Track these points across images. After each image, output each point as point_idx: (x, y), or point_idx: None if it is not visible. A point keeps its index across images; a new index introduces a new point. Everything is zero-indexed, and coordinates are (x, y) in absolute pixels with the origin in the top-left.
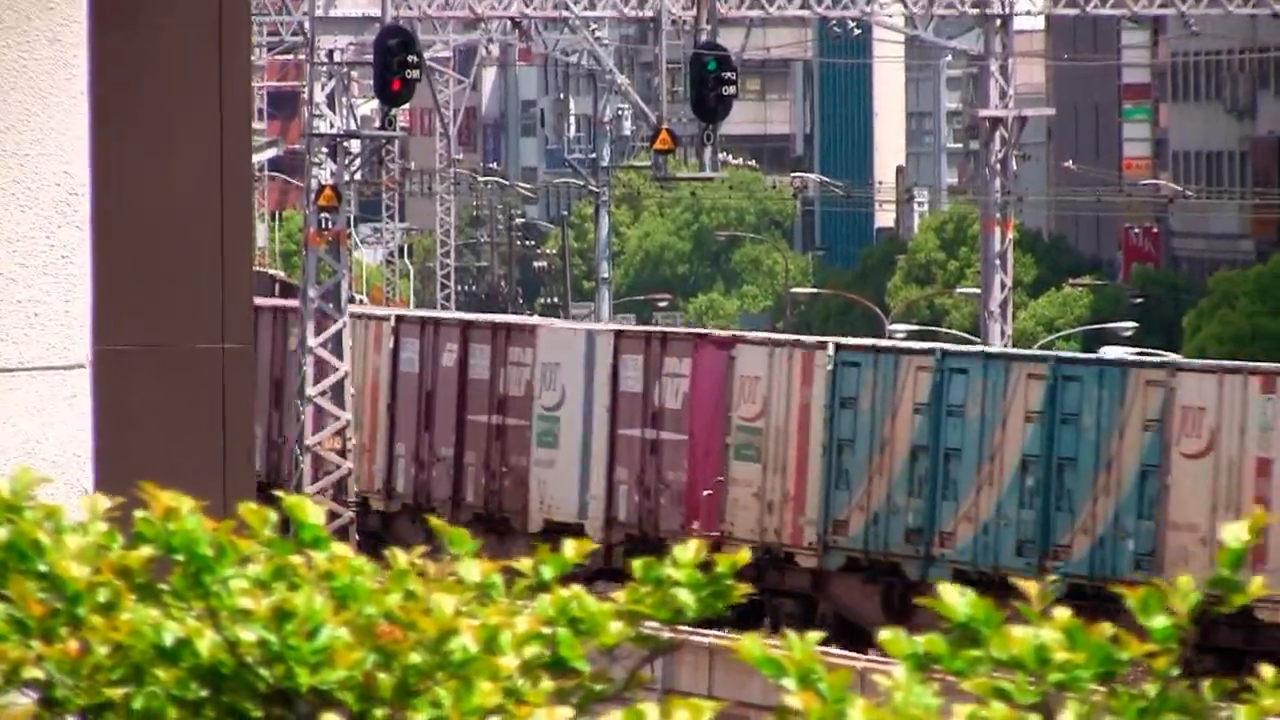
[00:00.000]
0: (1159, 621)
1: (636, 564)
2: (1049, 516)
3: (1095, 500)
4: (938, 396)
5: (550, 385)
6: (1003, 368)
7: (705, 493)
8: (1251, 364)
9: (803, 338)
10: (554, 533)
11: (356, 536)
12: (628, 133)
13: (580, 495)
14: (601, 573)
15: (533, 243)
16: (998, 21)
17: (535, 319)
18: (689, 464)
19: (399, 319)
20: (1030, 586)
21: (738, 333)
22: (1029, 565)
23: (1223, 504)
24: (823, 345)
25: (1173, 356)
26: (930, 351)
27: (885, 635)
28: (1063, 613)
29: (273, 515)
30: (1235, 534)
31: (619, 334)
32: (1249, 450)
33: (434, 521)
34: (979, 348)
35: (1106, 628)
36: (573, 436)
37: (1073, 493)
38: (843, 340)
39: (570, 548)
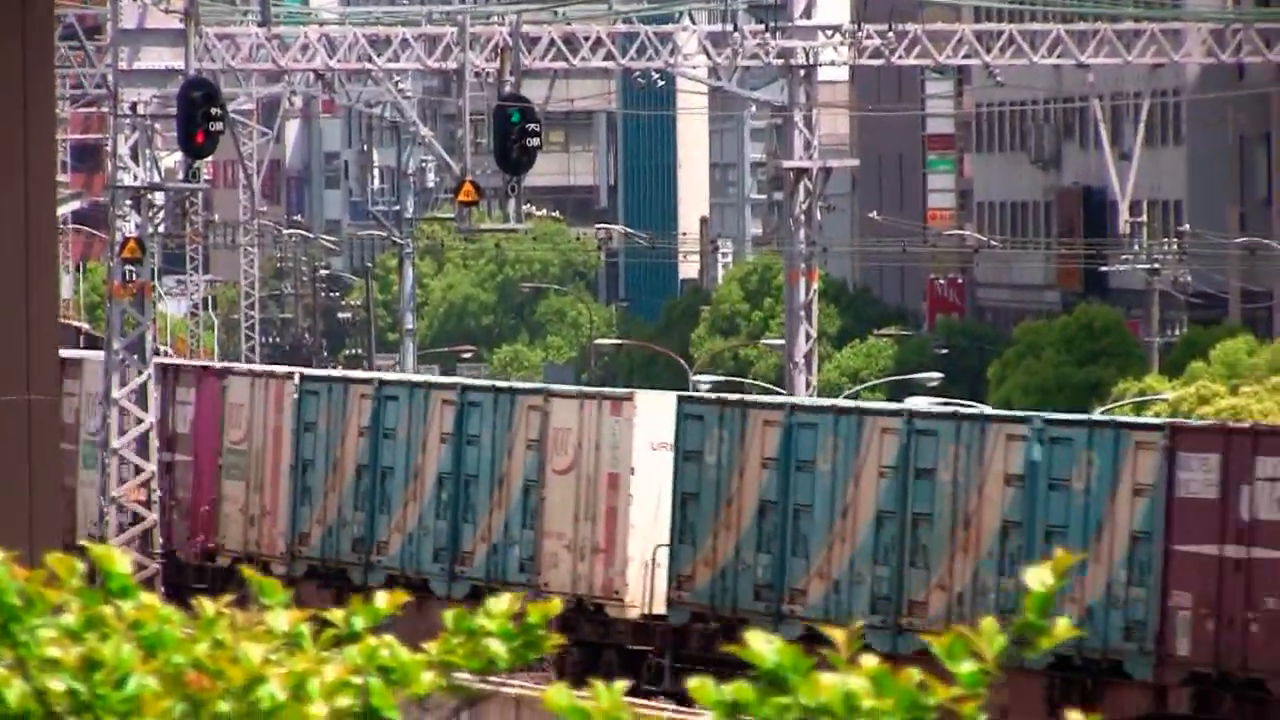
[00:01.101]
0: (966, 667)
1: (448, 614)
2: (458, 527)
3: (491, 512)
4: (376, 421)
5: (93, 414)
6: (423, 396)
7: (203, 509)
8: (608, 390)
9: (275, 368)
10: (80, 550)
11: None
12: (431, 184)
13: (116, 514)
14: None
15: (337, 294)
16: (801, 72)
17: (79, 352)
18: (193, 483)
19: None
20: (838, 634)
21: (231, 364)
22: (442, 570)
23: (583, 513)
24: (290, 376)
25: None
26: (370, 381)
27: (693, 683)
28: (870, 660)
29: (81, 565)
30: (1040, 578)
31: None
32: (603, 466)
33: (246, 571)
34: (409, 376)
35: (914, 674)
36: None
37: (475, 506)
38: (307, 371)
39: (383, 598)
